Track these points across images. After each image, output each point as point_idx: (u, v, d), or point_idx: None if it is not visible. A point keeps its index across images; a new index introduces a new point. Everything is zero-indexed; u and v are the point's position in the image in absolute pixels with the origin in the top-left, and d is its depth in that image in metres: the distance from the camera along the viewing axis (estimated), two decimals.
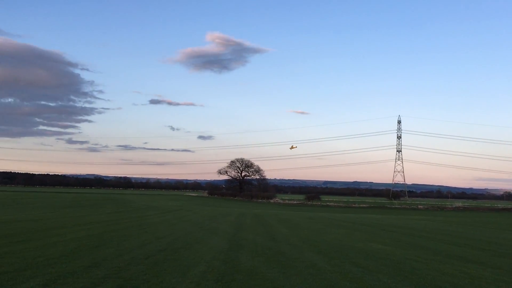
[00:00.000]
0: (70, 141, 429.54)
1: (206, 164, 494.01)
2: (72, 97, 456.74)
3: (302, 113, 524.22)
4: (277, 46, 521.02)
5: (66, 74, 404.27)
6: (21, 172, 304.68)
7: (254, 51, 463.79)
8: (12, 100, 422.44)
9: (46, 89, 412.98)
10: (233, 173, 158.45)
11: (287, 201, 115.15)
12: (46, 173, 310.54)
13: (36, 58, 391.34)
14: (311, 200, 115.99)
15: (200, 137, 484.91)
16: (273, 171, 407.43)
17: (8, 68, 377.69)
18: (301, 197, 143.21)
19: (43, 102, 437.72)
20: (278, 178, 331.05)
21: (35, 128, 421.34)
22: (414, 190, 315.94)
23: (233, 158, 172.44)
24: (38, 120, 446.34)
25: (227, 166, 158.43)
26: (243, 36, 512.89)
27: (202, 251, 18.06)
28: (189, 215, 45.06)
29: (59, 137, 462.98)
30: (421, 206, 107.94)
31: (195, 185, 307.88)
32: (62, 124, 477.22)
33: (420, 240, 26.48)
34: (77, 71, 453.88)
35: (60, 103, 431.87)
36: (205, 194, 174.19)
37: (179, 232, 26.02)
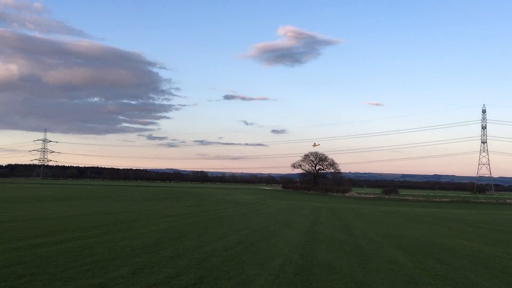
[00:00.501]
0: (150, 137, 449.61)
1: (280, 158, 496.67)
2: (151, 95, 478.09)
3: (377, 104, 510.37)
4: (350, 37, 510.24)
5: (145, 73, 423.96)
6: (107, 167, 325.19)
7: (327, 43, 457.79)
8: (98, 99, 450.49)
9: (128, 88, 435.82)
10: (307, 167, 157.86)
11: (363, 195, 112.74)
12: (129, 168, 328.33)
13: (119, 59, 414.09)
14: (388, 194, 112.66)
15: (274, 131, 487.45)
16: (347, 164, 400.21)
17: (94, 70, 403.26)
18: (378, 190, 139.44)
19: (125, 101, 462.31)
20: (353, 171, 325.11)
21: (118, 126, 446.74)
22: (501, 184, 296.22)
23: (306, 151, 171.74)
24: (121, 117, 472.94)
25: (301, 160, 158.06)
26: (315, 28, 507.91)
27: (279, 244, 18.17)
28: (264, 208, 45.53)
29: (140, 133, 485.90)
30: (509, 201, 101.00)
31: (269, 179, 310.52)
32: (143, 121, 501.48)
33: (510, 236, 24.79)
34: (155, 70, 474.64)
35: (140, 101, 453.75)
36: (279, 187, 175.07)
37: (255, 225, 26.36)
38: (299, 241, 19.49)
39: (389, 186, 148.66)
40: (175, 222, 26.26)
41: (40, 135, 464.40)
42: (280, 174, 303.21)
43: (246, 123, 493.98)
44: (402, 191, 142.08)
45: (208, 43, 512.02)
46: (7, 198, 52.84)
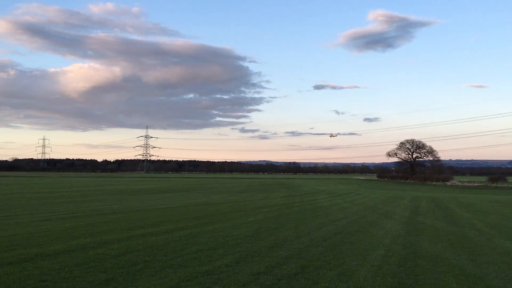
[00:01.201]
0: (243, 130, 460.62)
1: (374, 147, 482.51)
2: (242, 88, 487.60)
3: (480, 86, 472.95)
4: (446, 16, 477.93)
5: (236, 68, 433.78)
6: (203, 160, 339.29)
7: (421, 24, 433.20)
8: (193, 95, 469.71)
9: (220, 83, 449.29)
10: (403, 155, 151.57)
11: (466, 183, 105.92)
12: (224, 161, 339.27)
13: (211, 56, 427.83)
14: (495, 181, 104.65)
15: (366, 119, 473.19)
16: (447, 151, 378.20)
17: (188, 67, 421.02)
18: (483, 178, 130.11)
19: (218, 96, 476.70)
20: (453, 158, 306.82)
21: (212, 120, 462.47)
22: None
23: (402, 139, 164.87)
24: (215, 112, 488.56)
25: (397, 148, 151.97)
26: (407, 10, 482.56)
27: (378, 234, 17.72)
28: (360, 198, 44.61)
29: (233, 127, 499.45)
30: None
31: (363, 169, 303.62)
32: (235, 114, 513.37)
33: None
34: (246, 64, 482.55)
35: (232, 95, 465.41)
36: (374, 177, 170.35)
37: (352, 215, 25.94)
38: (399, 231, 18.85)
39: (496, 173, 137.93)
40: (272, 213, 26.68)
41: (142, 131, 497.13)
42: (374, 163, 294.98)
43: (337, 112, 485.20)
44: (511, 178, 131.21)
45: (296, 34, 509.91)
46: (117, 191, 57.23)
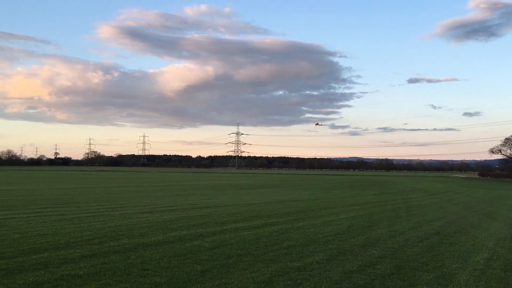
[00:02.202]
0: (333, 126, 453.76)
1: (474, 143, 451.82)
2: (332, 84, 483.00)
3: None
4: None
5: (326, 64, 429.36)
6: (293, 156, 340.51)
7: None
8: (282, 92, 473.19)
9: (310, 80, 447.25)
10: (508, 152, 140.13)
11: None
12: (313, 157, 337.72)
13: (300, 52, 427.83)
14: None
15: (466, 114, 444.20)
16: None
17: (278, 65, 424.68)
18: None
19: (307, 92, 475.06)
20: None
21: (302, 116, 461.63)
22: None
23: (507, 135, 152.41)
24: (304, 108, 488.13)
25: (501, 144, 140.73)
26: None
27: (480, 237, 16.56)
28: (460, 197, 41.99)
29: (323, 123, 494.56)
30: None
31: (462, 166, 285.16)
32: (325, 110, 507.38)
33: None
34: (335, 59, 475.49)
35: (322, 91, 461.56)
36: (475, 175, 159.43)
37: (451, 215, 24.50)
38: (505, 234, 17.46)
39: None
40: (363, 211, 26.05)
41: (233, 128, 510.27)
42: (475, 160, 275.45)
43: (434, 106, 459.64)
44: None
45: (388, 27, 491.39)
46: (210, 186, 59.40)
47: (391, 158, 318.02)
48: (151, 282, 9.31)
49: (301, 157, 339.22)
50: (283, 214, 23.05)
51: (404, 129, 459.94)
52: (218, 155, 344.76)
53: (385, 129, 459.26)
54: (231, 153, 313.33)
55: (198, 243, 13.82)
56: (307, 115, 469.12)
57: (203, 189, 50.94)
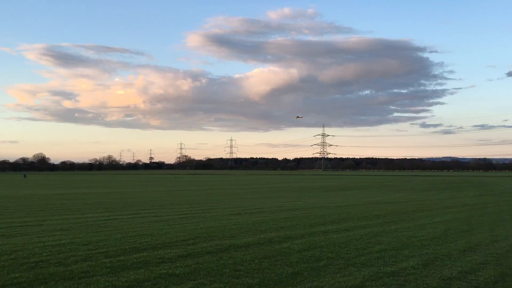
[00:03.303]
0: (424, 125, 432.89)
1: None
2: (422, 81, 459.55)
3: None
4: None
5: (415, 60, 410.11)
6: (381, 157, 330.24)
7: None
8: (369, 92, 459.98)
9: (398, 78, 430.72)
10: None
11: None
12: (403, 158, 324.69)
13: (387, 50, 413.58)
14: None
15: None
16: None
17: (363, 63, 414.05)
18: None
19: (395, 90, 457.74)
20: None
21: (390, 116, 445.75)
22: None
23: None
24: (392, 107, 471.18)
25: None
26: None
27: None
28: None
29: (413, 122, 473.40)
30: None
31: None
32: (415, 109, 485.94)
33: None
34: (425, 55, 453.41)
35: (411, 89, 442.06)
36: None
37: None
38: None
39: None
40: (461, 213, 24.53)
41: (319, 130, 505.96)
42: None
43: None
44: None
45: (481, 17, 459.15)
46: (297, 188, 59.45)
47: (489, 157, 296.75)
48: (243, 283, 9.48)
49: (390, 157, 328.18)
50: (373, 217, 22.40)
51: (504, 126, 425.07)
52: (304, 157, 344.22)
53: (482, 127, 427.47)
54: (317, 155, 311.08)
55: (288, 245, 13.85)
56: (396, 114, 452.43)
57: (289, 191, 51.09)
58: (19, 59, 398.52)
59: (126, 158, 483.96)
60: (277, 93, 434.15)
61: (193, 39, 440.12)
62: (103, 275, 9.96)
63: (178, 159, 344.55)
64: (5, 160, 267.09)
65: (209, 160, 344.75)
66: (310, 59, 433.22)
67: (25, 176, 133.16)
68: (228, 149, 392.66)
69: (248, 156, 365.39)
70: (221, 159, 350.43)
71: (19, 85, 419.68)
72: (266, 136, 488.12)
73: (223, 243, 14.26)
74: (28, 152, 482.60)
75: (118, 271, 10.35)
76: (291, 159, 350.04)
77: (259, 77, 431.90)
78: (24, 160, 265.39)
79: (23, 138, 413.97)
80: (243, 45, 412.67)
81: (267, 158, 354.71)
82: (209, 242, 14.36)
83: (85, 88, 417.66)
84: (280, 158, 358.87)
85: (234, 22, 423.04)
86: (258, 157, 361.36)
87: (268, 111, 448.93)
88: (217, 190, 53.55)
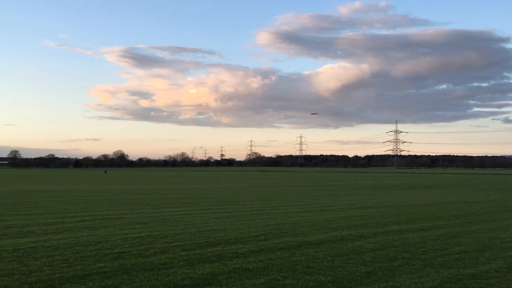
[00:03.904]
0: (507, 120, 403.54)
1: None
2: (505, 74, 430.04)
3: None
4: None
5: (497, 51, 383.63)
6: (459, 154, 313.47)
7: None
8: (445, 86, 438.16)
9: (477, 70, 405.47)
10: None
11: None
12: (484, 155, 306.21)
13: (465, 41, 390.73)
14: None
15: None
16: None
17: (440, 57, 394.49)
18: None
19: (475, 84, 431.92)
20: None
21: (469, 111, 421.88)
22: None
23: None
24: (471, 102, 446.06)
25: None
26: None
27: None
28: None
29: (495, 117, 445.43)
30: None
31: None
32: (497, 103, 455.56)
33: None
34: (509, 45, 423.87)
35: (492, 82, 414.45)
36: None
37: None
38: None
39: None
40: None
41: (391, 126, 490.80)
42: None
43: None
44: None
45: None
46: (368, 186, 58.14)
47: None
48: (316, 280, 9.47)
49: (469, 155, 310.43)
50: (451, 217, 21.40)
51: None
52: (375, 154, 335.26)
53: None
54: (390, 152, 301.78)
55: (360, 244, 13.62)
56: (475, 109, 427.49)
57: (361, 189, 50.09)
58: (101, 61, 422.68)
59: (199, 155, 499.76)
60: (348, 89, 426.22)
61: (263, 37, 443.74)
62: (180, 267, 10.38)
63: (248, 156, 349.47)
64: (88, 156, 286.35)
65: (278, 157, 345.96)
66: (382, 54, 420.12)
67: (105, 172, 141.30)
68: (297, 146, 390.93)
69: (318, 153, 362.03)
70: (290, 156, 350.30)
71: (100, 86, 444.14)
72: (336, 133, 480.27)
73: (294, 240, 14.31)
74: (109, 149, 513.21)
75: (194, 264, 10.74)
76: (362, 156, 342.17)
77: (329, 73, 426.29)
78: (105, 156, 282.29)
79: (104, 136, 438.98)
80: (313, 42, 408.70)
81: (338, 155, 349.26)
82: (280, 239, 14.47)
83: (160, 87, 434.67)
84: (350, 155, 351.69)
85: (304, 18, 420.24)
86: (328, 154, 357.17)
87: (339, 107, 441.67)
88: (287, 187, 53.71)
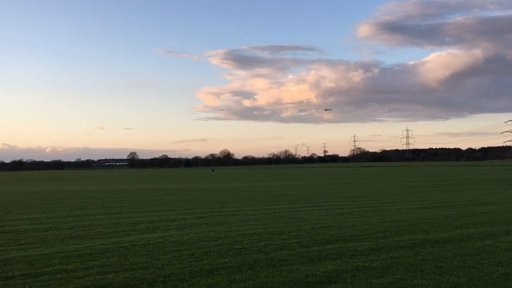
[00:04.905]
0: None
1: None
2: None
3: None
4: None
5: None
6: None
7: None
8: None
9: None
10: None
11: None
12: None
13: None
14: None
15: None
16: None
17: None
18: None
19: None
20: None
21: None
22: None
23: None
24: None
25: None
26: None
27: None
28: None
29: None
30: None
31: None
32: None
33: None
34: None
35: None
36: None
37: None
38: None
39: None
40: None
41: (510, 116, 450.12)
42: None
43: None
44: None
45: None
46: (487, 180, 53.77)
47: None
48: (448, 280, 8.89)
49: None
50: None
51: None
52: (492, 146, 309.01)
53: None
54: (509, 143, 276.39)
55: (491, 243, 12.57)
56: None
57: (479, 184, 46.48)
58: (205, 65, 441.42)
59: (302, 152, 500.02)
60: (458, 77, 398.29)
61: (364, 29, 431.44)
62: (301, 264, 10.40)
63: (352, 152, 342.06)
64: (197, 156, 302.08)
65: (384, 152, 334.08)
66: (496, 37, 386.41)
67: (213, 170, 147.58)
68: (404, 140, 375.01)
69: (426, 146, 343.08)
70: (396, 150, 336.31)
71: (205, 88, 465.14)
72: (446, 125, 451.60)
73: (416, 238, 13.63)
74: (215, 148, 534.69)
75: (315, 261, 10.69)
76: (476, 148, 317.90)
77: (437, 62, 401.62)
78: (212, 156, 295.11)
79: (211, 136, 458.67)
80: (418, 30, 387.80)
81: (449, 148, 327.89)
82: (400, 236, 13.88)
83: (262, 87, 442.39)
84: (463, 148, 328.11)
85: (407, 6, 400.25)
86: (438, 148, 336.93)
87: (448, 97, 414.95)
88: (396, 183, 51.61)
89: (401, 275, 9.34)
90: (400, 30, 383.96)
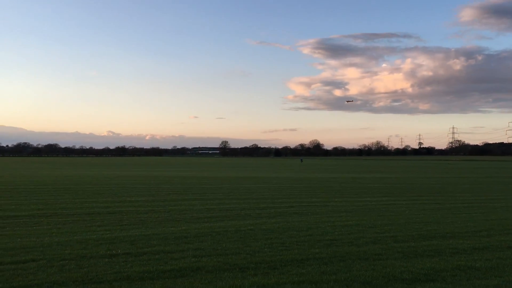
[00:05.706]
0: None
1: None
2: None
3: None
4: None
5: None
6: None
7: None
8: None
9: None
10: None
11: None
12: None
13: None
14: None
15: None
16: None
17: None
18: None
19: None
20: None
21: None
22: None
23: None
24: None
25: None
26: None
27: None
28: None
29: None
30: None
31: None
32: None
33: None
34: None
35: None
36: None
37: None
38: None
39: None
40: None
41: None
42: None
43: None
44: None
45: None
46: None
47: None
48: None
49: None
50: None
51: None
52: None
53: None
54: None
55: None
56: None
57: None
58: (297, 54, 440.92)
59: (394, 143, 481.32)
60: None
61: (467, 13, 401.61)
62: (396, 259, 9.97)
63: (450, 144, 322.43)
64: (286, 146, 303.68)
65: (486, 145, 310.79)
66: None
67: (301, 160, 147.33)
68: (510, 133, 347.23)
69: None
70: (501, 143, 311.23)
71: (297, 78, 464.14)
72: None
73: None
74: (305, 138, 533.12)
75: (411, 257, 10.20)
76: None
77: None
78: (301, 146, 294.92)
79: (301, 126, 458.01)
80: None
81: None
82: (507, 236, 12.83)
83: (353, 76, 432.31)
84: None
85: None
86: None
87: None
88: (500, 178, 47.78)
89: (508, 277, 8.59)
90: (509, 13, 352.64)
